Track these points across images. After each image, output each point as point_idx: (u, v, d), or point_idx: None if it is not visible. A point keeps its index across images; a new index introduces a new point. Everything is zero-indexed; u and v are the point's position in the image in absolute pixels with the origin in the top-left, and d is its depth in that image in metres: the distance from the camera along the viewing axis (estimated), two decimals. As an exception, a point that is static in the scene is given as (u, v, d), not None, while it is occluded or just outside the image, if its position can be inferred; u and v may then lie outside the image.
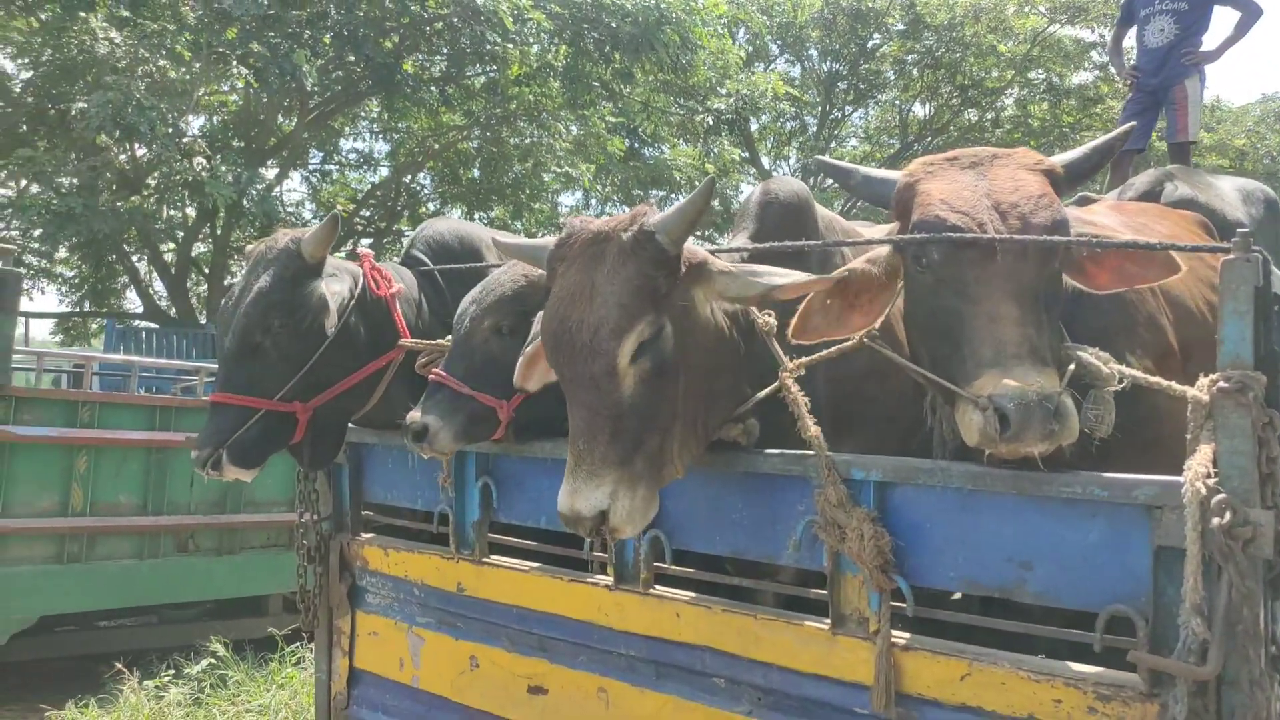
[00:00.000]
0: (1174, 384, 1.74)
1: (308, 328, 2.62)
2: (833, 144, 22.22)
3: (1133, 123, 2.16)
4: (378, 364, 2.78)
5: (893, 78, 20.78)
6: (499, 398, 2.42)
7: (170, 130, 10.55)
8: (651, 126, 16.72)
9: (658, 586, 2.27)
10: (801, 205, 2.52)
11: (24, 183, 14.11)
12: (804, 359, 2.08)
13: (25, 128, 12.78)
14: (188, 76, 12.29)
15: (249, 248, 2.82)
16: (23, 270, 6.30)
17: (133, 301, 18.38)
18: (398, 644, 2.83)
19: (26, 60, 12.80)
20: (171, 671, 5.02)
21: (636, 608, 2.27)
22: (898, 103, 21.88)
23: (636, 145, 16.90)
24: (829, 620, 1.97)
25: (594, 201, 20.12)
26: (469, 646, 2.64)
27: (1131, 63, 5.90)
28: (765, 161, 21.66)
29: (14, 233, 14.43)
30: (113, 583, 5.63)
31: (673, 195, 19.83)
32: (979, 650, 1.79)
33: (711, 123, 16.52)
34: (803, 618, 2.03)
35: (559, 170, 15.64)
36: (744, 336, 2.16)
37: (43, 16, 12.00)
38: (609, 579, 2.34)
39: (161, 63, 12.29)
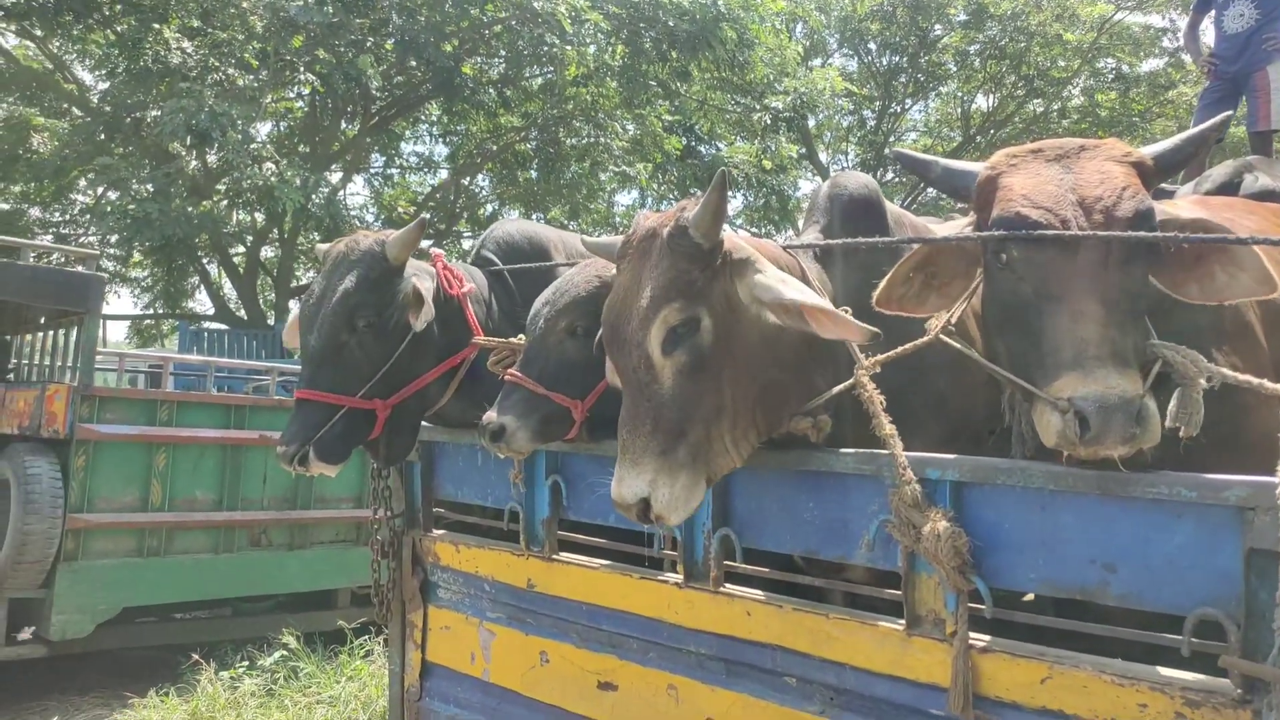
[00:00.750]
0: (1265, 381, 1.69)
1: (392, 327, 2.69)
2: (892, 138, 21.90)
3: (1229, 111, 2.08)
4: (452, 362, 2.83)
5: (954, 69, 20.39)
6: (574, 397, 2.45)
7: (239, 137, 10.85)
8: (708, 124, 16.70)
9: (728, 585, 2.28)
10: (870, 198, 2.51)
11: (101, 190, 14.67)
12: (880, 356, 2.06)
13: (103, 136, 13.26)
14: (256, 84, 12.66)
15: (322, 248, 2.89)
16: (105, 275, 6.52)
17: (203, 304, 18.97)
18: (469, 638, 2.88)
19: (104, 72, 13.28)
20: (246, 663, 5.18)
21: (707, 605, 2.28)
22: (960, 95, 21.48)
23: (693, 143, 16.89)
24: (904, 621, 1.95)
25: (650, 200, 20.16)
26: (539, 642, 2.67)
27: (1209, 49, 5.71)
28: (823, 157, 21.46)
29: (92, 238, 14.99)
30: (190, 576, 5.82)
31: (731, 192, 19.78)
32: (1060, 653, 1.76)
33: (769, 120, 16.41)
34: (877, 618, 2.01)
35: (615, 170, 15.71)
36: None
37: (119, 29, 12.45)
38: (679, 576, 2.35)
39: (231, 71, 12.69)
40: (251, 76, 12.61)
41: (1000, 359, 1.91)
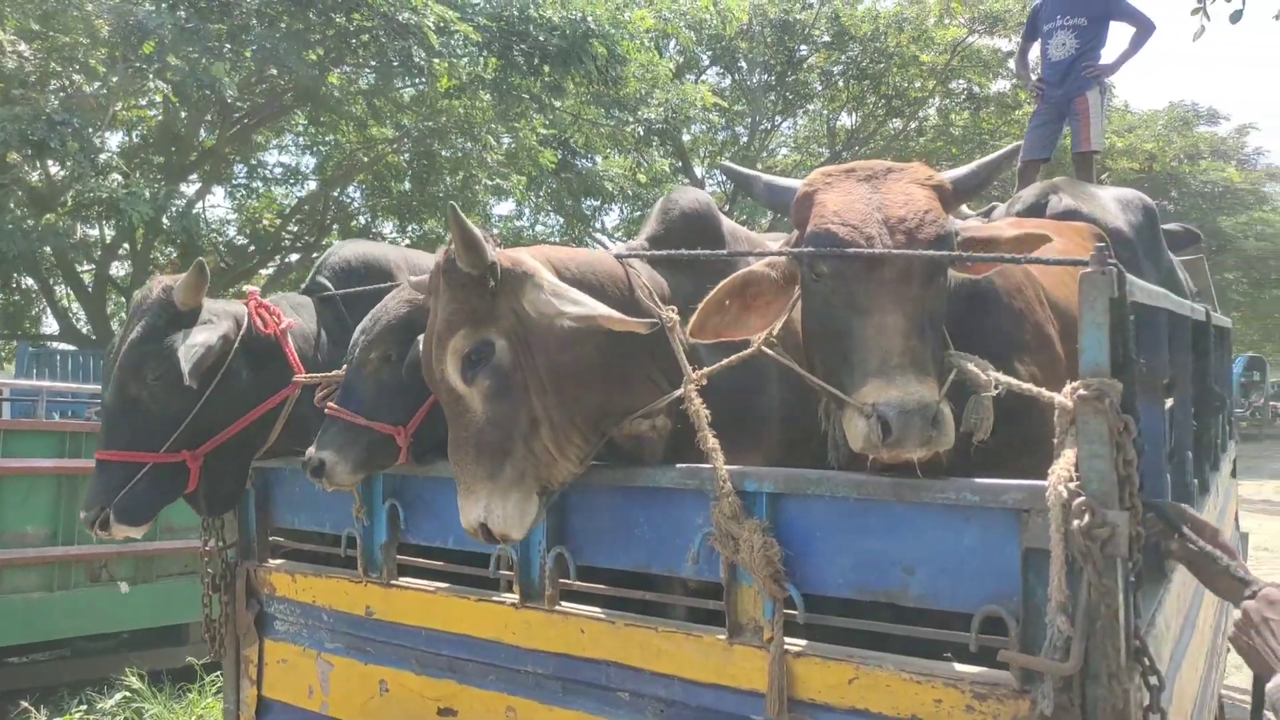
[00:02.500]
0: (1043, 390, 1.82)
1: (181, 378, 2.58)
2: (764, 154, 22.53)
3: (1018, 143, 2.29)
4: (271, 403, 2.75)
5: (820, 88, 21.17)
6: (396, 424, 2.43)
7: (79, 147, 10.22)
8: (583, 138, 16.76)
9: (564, 603, 2.28)
10: (703, 213, 2.59)
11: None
12: (705, 369, 2.12)
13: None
14: (104, 91, 11.95)
15: (136, 294, 2.79)
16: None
17: (51, 324, 17.74)
18: (306, 671, 2.78)
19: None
20: (84, 707, 4.86)
21: (543, 625, 2.28)
22: (825, 113, 22.30)
23: (569, 157, 16.92)
24: (726, 630, 2.00)
25: (527, 212, 20.09)
26: (378, 671, 2.61)
27: (1037, 75, 6.13)
28: (698, 171, 21.86)
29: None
30: (21, 616, 5.42)
31: (607, 205, 19.91)
32: (866, 654, 1.84)
33: (642, 133, 16.62)
34: (703, 629, 2.06)
35: (490, 182, 15.57)
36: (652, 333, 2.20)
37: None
38: (515, 597, 2.34)
39: (75, 77, 11.94)
40: (98, 83, 11.91)
41: (816, 369, 1.99)
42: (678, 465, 2.10)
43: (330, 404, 2.48)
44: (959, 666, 1.74)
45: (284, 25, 12.17)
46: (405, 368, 2.39)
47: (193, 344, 2.56)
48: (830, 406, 2.09)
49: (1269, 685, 1.54)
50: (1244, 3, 5.87)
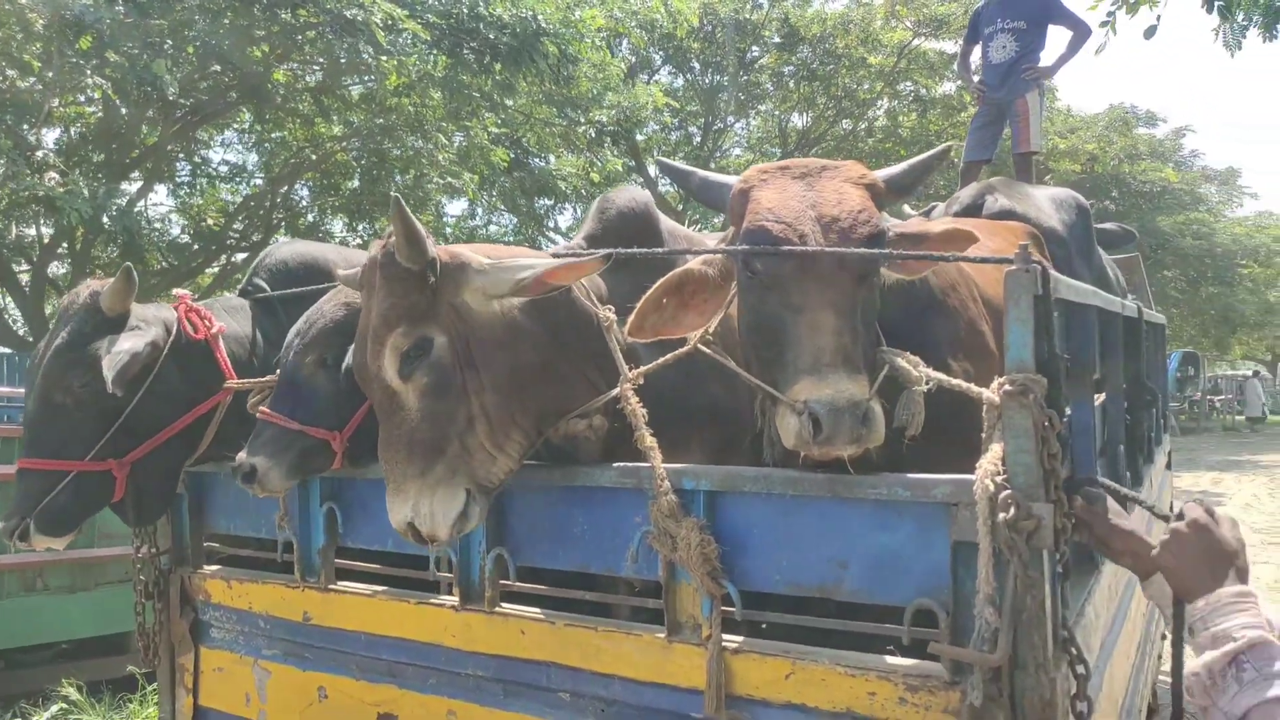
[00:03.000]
0: (971, 386, 1.85)
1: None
2: (717, 153, 22.64)
3: (949, 144, 2.32)
4: (201, 409, 2.69)
5: (771, 89, 21.32)
6: (331, 429, 2.39)
7: (10, 143, 9.90)
8: (535, 137, 16.68)
9: (504, 605, 2.26)
10: (640, 212, 2.59)
11: None
12: (642, 368, 2.12)
13: None
14: (39, 88, 11.60)
15: (63, 299, 2.72)
16: None
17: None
18: (243, 679, 2.73)
19: None
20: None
21: (483, 627, 2.26)
22: (777, 114, 22.47)
23: (521, 155, 16.81)
24: (665, 628, 2.00)
25: (480, 211, 19.93)
26: (317, 677, 2.57)
27: (978, 77, 6.24)
28: (652, 170, 21.90)
29: None
30: (-50, 629, 5.24)
31: (560, 205, 19.85)
32: (802, 649, 1.85)
33: (594, 134, 16.59)
34: (643, 628, 2.06)
35: (442, 181, 15.42)
36: (590, 332, 2.19)
37: None
38: (455, 599, 2.32)
39: (10, 73, 11.58)
40: (33, 79, 11.56)
41: (752, 365, 2.00)
42: (616, 464, 2.10)
43: (262, 409, 2.43)
44: (891, 660, 1.77)
45: (228, 21, 11.92)
46: (343, 372, 2.35)
47: (118, 351, 2.49)
48: (765, 404, 2.10)
49: (1190, 607, 1.54)
50: (1158, 19, 6.06)
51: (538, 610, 2.22)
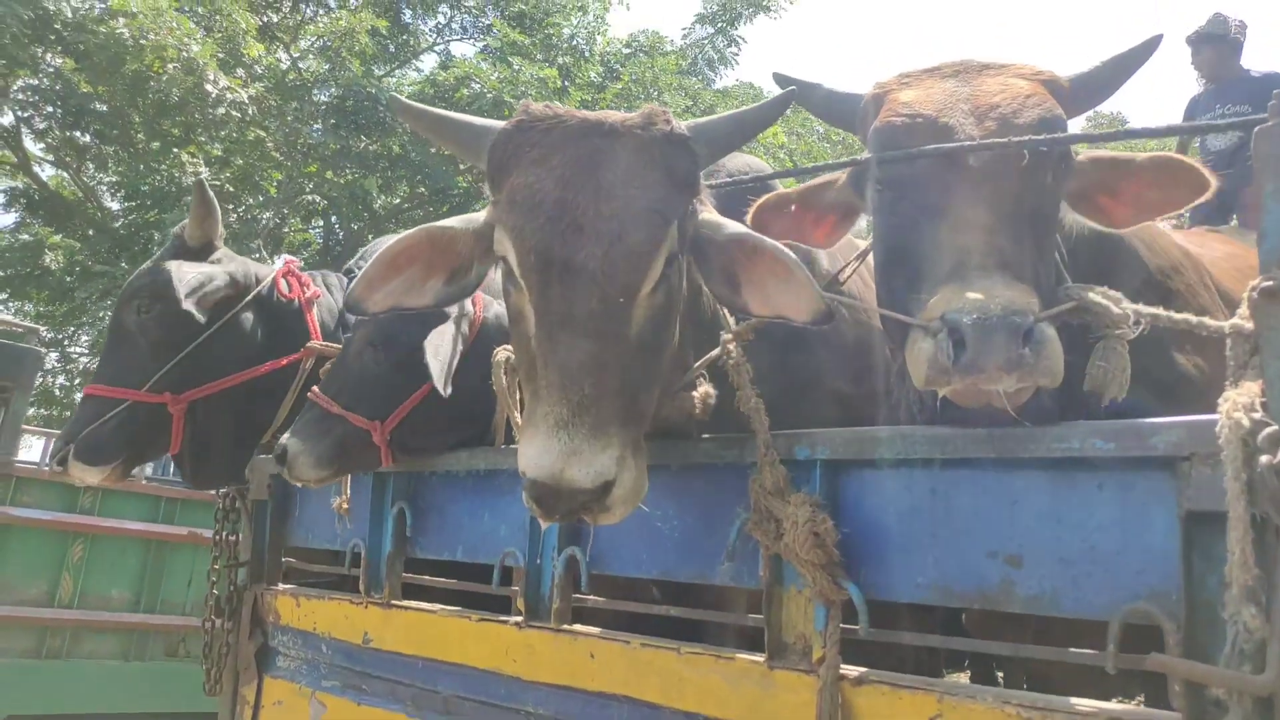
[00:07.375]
0: (1206, 320, 1.31)
1: (176, 313, 2.40)
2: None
3: (1159, 34, 1.80)
4: (276, 364, 2.51)
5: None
6: (372, 418, 2.10)
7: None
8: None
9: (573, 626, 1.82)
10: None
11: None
12: (751, 321, 1.68)
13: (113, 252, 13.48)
14: (269, 213, 12.96)
15: None
16: (43, 350, 6.32)
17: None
18: (300, 714, 2.38)
19: (120, 192, 13.69)
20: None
21: (548, 648, 1.82)
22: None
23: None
24: (765, 651, 1.49)
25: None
26: (371, 713, 2.18)
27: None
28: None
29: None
30: (94, 684, 5.23)
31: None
32: (952, 684, 1.31)
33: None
34: (736, 652, 1.56)
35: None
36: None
37: (154, 145, 12.86)
38: (519, 617, 1.90)
39: (249, 200, 13.00)
40: (267, 210, 12.94)
41: (885, 304, 1.55)
42: (711, 435, 1.66)
43: (313, 389, 2.19)
44: (1084, 703, 1.18)
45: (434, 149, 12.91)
46: (391, 357, 2.10)
47: (193, 272, 2.42)
48: (900, 355, 1.60)
49: None
50: None
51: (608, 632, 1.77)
